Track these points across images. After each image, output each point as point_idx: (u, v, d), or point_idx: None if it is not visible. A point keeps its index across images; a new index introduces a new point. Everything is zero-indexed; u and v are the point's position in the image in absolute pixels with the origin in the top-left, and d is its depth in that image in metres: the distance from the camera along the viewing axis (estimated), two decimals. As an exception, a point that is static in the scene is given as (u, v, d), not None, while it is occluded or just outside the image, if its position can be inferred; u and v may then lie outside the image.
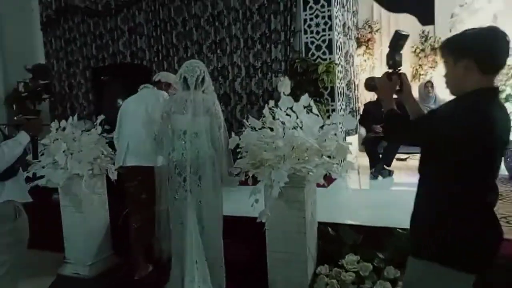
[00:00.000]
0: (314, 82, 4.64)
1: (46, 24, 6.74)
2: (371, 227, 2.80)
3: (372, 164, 4.77)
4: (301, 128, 2.49)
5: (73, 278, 3.25)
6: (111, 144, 3.42)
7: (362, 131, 5.63)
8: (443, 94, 5.83)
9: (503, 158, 4.14)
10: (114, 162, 3.38)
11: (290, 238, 2.50)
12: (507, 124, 1.36)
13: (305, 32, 4.92)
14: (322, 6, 4.82)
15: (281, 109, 2.61)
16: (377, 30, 6.47)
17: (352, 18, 6.00)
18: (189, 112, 2.42)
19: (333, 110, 4.82)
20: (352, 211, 3.46)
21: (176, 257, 2.49)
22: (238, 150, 2.55)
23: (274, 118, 2.54)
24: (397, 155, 4.84)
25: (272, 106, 2.63)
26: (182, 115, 2.45)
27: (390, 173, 4.68)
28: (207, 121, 2.46)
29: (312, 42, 4.90)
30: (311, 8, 4.88)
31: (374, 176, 4.66)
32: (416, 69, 6.37)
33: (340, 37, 5.08)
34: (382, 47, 6.48)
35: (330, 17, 4.81)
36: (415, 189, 1.50)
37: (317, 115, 2.52)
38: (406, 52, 6.68)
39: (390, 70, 1.58)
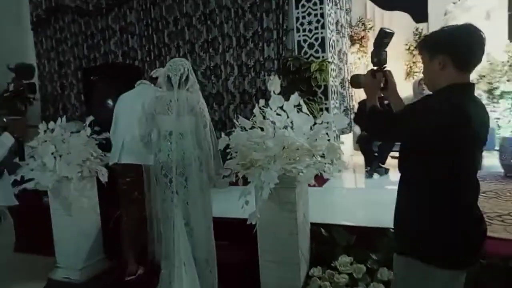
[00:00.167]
0: (307, 80, 4.60)
1: (37, 24, 6.66)
2: (364, 228, 2.76)
3: (367, 163, 4.75)
4: (291, 127, 2.45)
5: (64, 282, 3.19)
6: (101, 146, 3.38)
7: (357, 129, 5.60)
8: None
9: (499, 155, 4.16)
10: (104, 164, 3.36)
11: (282, 240, 2.47)
12: (482, 120, 1.35)
13: (298, 30, 4.88)
14: (314, 4, 4.78)
15: (271, 109, 2.58)
16: (370, 28, 6.44)
17: (345, 16, 5.96)
18: (173, 112, 2.37)
19: (327, 109, 4.79)
20: (347, 211, 3.43)
21: (165, 259, 2.45)
22: (228, 150, 2.51)
23: (264, 117, 2.50)
24: (393, 153, 4.82)
25: (263, 106, 2.59)
26: (167, 115, 2.41)
27: (386, 171, 4.65)
28: (192, 121, 2.41)
29: (305, 40, 4.86)
30: (303, 6, 4.83)
31: (369, 174, 4.64)
32: (410, 67, 6.36)
33: (333, 35, 5.04)
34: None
35: (322, 15, 4.76)
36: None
37: (308, 114, 2.47)
38: (400, 50, 6.67)
39: (375, 68, 1.58)
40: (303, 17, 4.85)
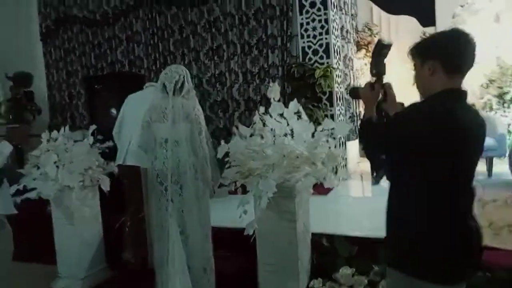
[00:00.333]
0: (311, 87, 4.57)
1: (46, 34, 6.77)
2: (367, 238, 2.69)
3: (374, 169, 4.67)
4: (291, 135, 2.41)
5: (64, 292, 3.18)
6: (104, 155, 3.38)
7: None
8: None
9: (508, 162, 4.03)
10: (107, 173, 3.36)
11: (281, 250, 2.42)
12: (475, 127, 1.31)
13: (302, 37, 4.86)
14: (319, 9, 4.76)
15: (271, 116, 2.54)
16: (377, 33, 6.38)
17: (351, 21, 5.92)
18: (168, 119, 2.35)
19: (332, 115, 4.74)
20: (351, 220, 3.37)
21: (159, 267, 2.42)
22: (226, 159, 2.48)
23: (264, 125, 2.47)
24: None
25: (263, 113, 2.57)
26: (162, 123, 2.39)
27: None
28: (187, 128, 2.39)
29: (309, 47, 4.83)
30: (307, 12, 4.81)
31: (376, 181, 4.56)
32: (418, 72, 6.26)
33: (337, 41, 5.00)
34: (382, 50, 6.38)
35: (326, 21, 4.73)
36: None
37: (308, 121, 2.44)
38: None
39: (374, 79, 1.55)
40: (307, 23, 4.83)
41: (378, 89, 1.51)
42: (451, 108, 1.26)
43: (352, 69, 5.72)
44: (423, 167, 1.28)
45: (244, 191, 2.44)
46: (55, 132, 3.29)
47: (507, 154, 4.24)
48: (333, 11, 4.85)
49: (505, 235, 2.55)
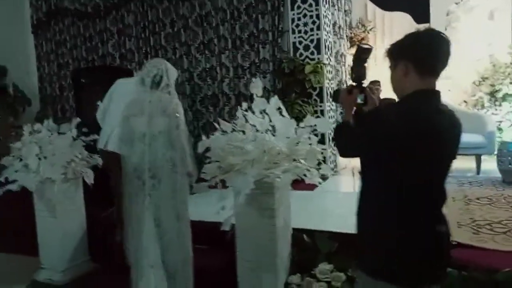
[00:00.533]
0: (301, 82, 4.54)
1: (37, 26, 6.70)
2: (348, 235, 2.66)
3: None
4: (271, 131, 2.39)
5: (46, 284, 3.17)
6: (89, 147, 3.36)
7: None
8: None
9: (497, 160, 4.02)
10: (91, 166, 3.35)
11: (261, 246, 2.40)
12: (447, 128, 1.28)
13: (293, 32, 4.82)
14: (310, 5, 4.71)
15: (253, 112, 2.52)
16: (370, 29, 6.34)
17: (344, 17, 5.88)
18: (146, 114, 2.33)
19: (322, 111, 4.72)
20: (336, 216, 3.34)
21: (134, 261, 2.41)
22: (207, 154, 2.46)
23: (247, 121, 2.45)
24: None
25: (245, 109, 2.55)
26: (140, 117, 2.37)
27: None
28: (164, 122, 2.37)
29: (300, 42, 4.79)
30: (298, 7, 4.77)
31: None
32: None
33: (329, 37, 4.96)
34: (376, 47, 6.35)
35: (318, 16, 4.69)
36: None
37: (289, 118, 2.42)
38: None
39: (354, 84, 1.54)
40: (299, 19, 4.79)
41: (356, 94, 1.50)
42: (422, 109, 1.25)
43: (345, 65, 5.69)
44: (392, 169, 1.26)
45: (225, 186, 2.43)
46: (37, 124, 3.27)
47: (495, 152, 4.23)
48: (324, 6, 4.81)
49: (485, 234, 2.54)
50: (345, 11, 6.01)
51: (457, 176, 4.42)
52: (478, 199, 3.40)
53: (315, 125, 2.43)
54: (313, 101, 4.70)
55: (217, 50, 5.30)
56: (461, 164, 4.96)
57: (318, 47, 4.71)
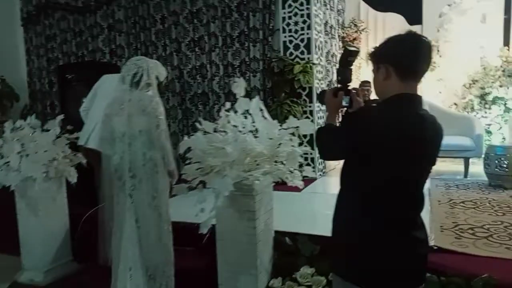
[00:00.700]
0: (290, 82, 4.51)
1: (27, 20, 6.61)
2: (330, 238, 2.65)
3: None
4: (252, 132, 2.36)
5: (27, 285, 3.13)
6: (73, 145, 3.32)
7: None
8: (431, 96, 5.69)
9: (483, 164, 4.02)
10: (74, 165, 3.30)
11: (241, 249, 2.38)
12: (426, 133, 1.26)
13: (284, 31, 4.79)
14: (301, 4, 4.68)
15: (236, 112, 2.50)
16: (363, 29, 6.31)
17: (337, 17, 5.85)
18: (125, 113, 2.30)
19: (311, 111, 4.70)
20: (321, 218, 3.31)
21: (114, 262, 2.38)
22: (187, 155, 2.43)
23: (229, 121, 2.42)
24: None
25: (229, 108, 2.52)
26: (121, 116, 2.33)
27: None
28: (144, 122, 2.33)
29: (291, 41, 4.76)
30: (289, 6, 4.74)
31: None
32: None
33: (320, 36, 4.93)
34: (368, 47, 6.34)
35: (309, 16, 4.66)
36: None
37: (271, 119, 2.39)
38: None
39: (339, 86, 1.53)
40: (289, 18, 4.76)
41: (341, 96, 1.48)
42: (401, 113, 1.24)
43: (336, 65, 5.67)
44: (369, 173, 1.25)
45: (205, 187, 2.40)
46: (20, 121, 3.21)
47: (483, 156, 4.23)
48: (316, 5, 4.77)
49: (466, 238, 2.53)
50: (338, 10, 5.99)
51: (445, 179, 4.42)
52: (463, 202, 3.40)
53: (298, 126, 2.41)
54: (302, 101, 4.68)
55: (208, 47, 5.26)
56: (451, 167, 4.97)
57: (308, 47, 4.68)
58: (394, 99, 1.27)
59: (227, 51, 5.15)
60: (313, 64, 4.60)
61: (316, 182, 4.62)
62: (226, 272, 2.43)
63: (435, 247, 2.32)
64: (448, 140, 4.17)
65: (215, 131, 2.44)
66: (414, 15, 6.28)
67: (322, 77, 4.99)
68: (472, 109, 5.42)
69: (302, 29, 4.70)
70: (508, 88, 5.18)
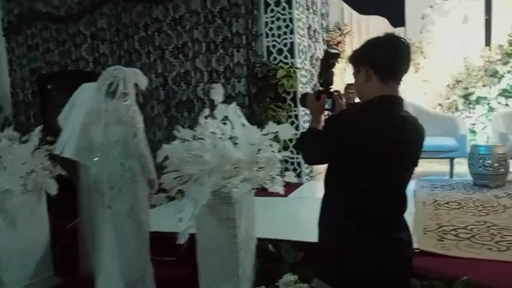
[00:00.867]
0: (274, 87, 4.50)
1: (9, 30, 6.53)
2: (313, 243, 2.62)
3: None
4: (232, 138, 2.34)
5: (6, 300, 3.05)
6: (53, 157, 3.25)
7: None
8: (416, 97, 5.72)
9: (467, 163, 4.03)
10: (54, 176, 3.24)
11: (222, 257, 2.34)
12: (407, 135, 1.25)
13: (267, 36, 4.78)
14: (283, 8, 4.69)
15: (216, 118, 2.47)
16: (347, 33, 6.34)
17: (321, 21, 5.87)
18: (102, 123, 2.26)
19: (296, 116, 4.69)
20: (306, 224, 3.28)
21: (95, 275, 2.34)
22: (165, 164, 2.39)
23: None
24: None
25: (206, 116, 2.49)
26: (97, 126, 2.30)
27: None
28: (121, 131, 2.30)
29: (274, 46, 4.76)
30: (272, 10, 4.74)
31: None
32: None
33: (303, 40, 4.94)
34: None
35: (291, 20, 4.67)
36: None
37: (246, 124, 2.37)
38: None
39: (321, 89, 1.52)
40: (272, 22, 4.76)
41: (324, 99, 1.46)
42: (383, 115, 1.24)
43: (320, 69, 5.67)
44: (352, 177, 1.24)
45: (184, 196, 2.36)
46: (-4, 132, 3.15)
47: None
48: (298, 10, 4.78)
49: (449, 240, 2.52)
50: (321, 14, 6.00)
51: (431, 180, 4.43)
52: (447, 203, 3.39)
53: (278, 131, 2.39)
54: (287, 106, 4.66)
55: (191, 54, 5.24)
56: (437, 167, 4.98)
57: (291, 51, 4.68)
58: (375, 101, 1.27)
59: (211, 57, 5.13)
60: (297, 68, 4.60)
61: (302, 187, 4.60)
62: (207, 282, 2.39)
63: (417, 250, 2.30)
64: (432, 140, 4.24)
65: (194, 138, 2.40)
66: (397, 18, 6.33)
67: (307, 81, 4.99)
68: (457, 109, 5.46)
69: (285, 33, 4.70)
70: (490, 87, 5.23)
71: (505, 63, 5.21)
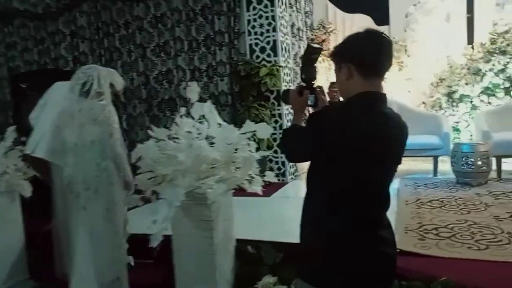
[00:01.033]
0: (257, 85, 4.44)
1: (-15, 28, 6.35)
2: (293, 244, 2.57)
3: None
4: (208, 138, 2.27)
5: (-23, 307, 2.94)
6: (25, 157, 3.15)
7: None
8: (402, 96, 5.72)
9: (450, 161, 4.04)
10: (29, 178, 3.14)
11: (199, 259, 2.27)
12: (389, 133, 1.22)
13: (249, 34, 4.73)
14: (266, 6, 4.63)
15: (193, 118, 2.40)
16: (331, 31, 6.32)
17: (304, 19, 5.84)
18: (76, 123, 2.18)
19: (280, 114, 4.64)
20: (288, 225, 3.24)
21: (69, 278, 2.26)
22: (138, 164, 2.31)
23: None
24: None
25: (184, 114, 2.42)
26: (71, 127, 2.21)
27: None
28: (96, 131, 2.22)
29: (257, 44, 4.70)
30: (254, 8, 4.69)
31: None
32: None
33: (286, 38, 4.89)
34: (338, 48, 6.35)
35: (274, 18, 4.62)
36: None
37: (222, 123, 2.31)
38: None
39: (304, 85, 1.47)
40: (255, 20, 4.70)
41: (307, 95, 1.42)
42: (365, 112, 1.20)
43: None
44: (334, 175, 1.21)
45: (158, 197, 2.30)
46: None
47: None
48: (281, 7, 4.73)
49: (430, 239, 2.49)
50: (305, 12, 5.97)
51: (414, 178, 4.42)
52: (430, 202, 3.38)
53: (255, 130, 2.33)
54: (270, 104, 4.61)
55: (173, 52, 5.15)
56: (421, 166, 4.98)
57: (274, 49, 4.63)
58: (358, 97, 1.24)
59: (193, 55, 5.06)
60: (280, 66, 4.55)
61: (287, 186, 4.56)
62: (184, 285, 2.32)
63: (398, 250, 2.27)
64: (416, 138, 4.24)
65: (169, 138, 2.33)
66: (381, 16, 6.33)
67: (290, 79, 4.95)
68: (440, 107, 5.47)
69: (268, 31, 4.64)
70: (473, 86, 5.25)
71: (487, 61, 5.24)
